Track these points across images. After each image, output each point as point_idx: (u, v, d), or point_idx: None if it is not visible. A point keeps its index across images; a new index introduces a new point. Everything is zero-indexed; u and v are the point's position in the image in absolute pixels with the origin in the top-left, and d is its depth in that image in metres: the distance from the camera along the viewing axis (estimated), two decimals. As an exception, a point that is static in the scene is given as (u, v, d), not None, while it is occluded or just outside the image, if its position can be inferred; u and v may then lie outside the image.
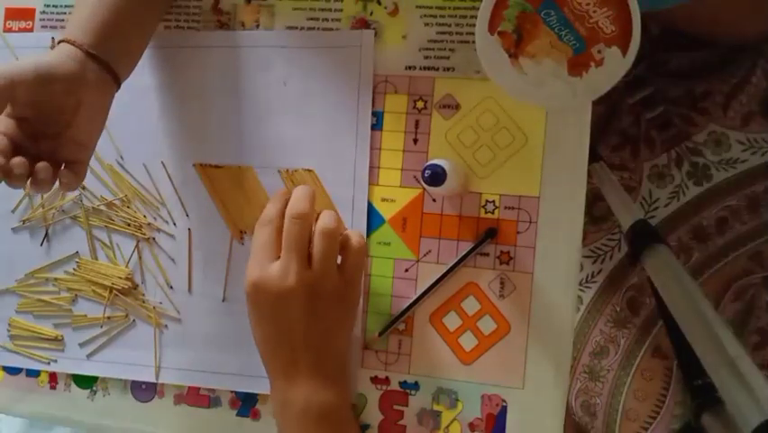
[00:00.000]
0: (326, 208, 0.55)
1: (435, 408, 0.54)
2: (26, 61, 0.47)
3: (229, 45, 0.58)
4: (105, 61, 0.50)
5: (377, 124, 0.55)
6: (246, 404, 0.57)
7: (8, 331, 0.61)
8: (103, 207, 0.60)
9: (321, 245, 0.49)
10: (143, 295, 0.59)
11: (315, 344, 0.50)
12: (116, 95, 0.59)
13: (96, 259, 0.60)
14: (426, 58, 0.55)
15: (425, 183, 0.47)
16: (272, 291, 0.49)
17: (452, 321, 0.54)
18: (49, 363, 0.60)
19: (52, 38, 0.62)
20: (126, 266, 0.59)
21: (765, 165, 0.84)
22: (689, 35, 0.73)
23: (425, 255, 0.54)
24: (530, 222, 0.53)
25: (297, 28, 0.57)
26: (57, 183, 0.48)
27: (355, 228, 0.55)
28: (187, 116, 0.58)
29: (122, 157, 0.60)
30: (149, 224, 0.59)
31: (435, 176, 0.47)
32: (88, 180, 0.60)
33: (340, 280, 0.50)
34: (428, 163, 0.47)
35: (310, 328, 0.50)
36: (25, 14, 0.63)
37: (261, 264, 0.49)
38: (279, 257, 0.49)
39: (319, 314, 0.50)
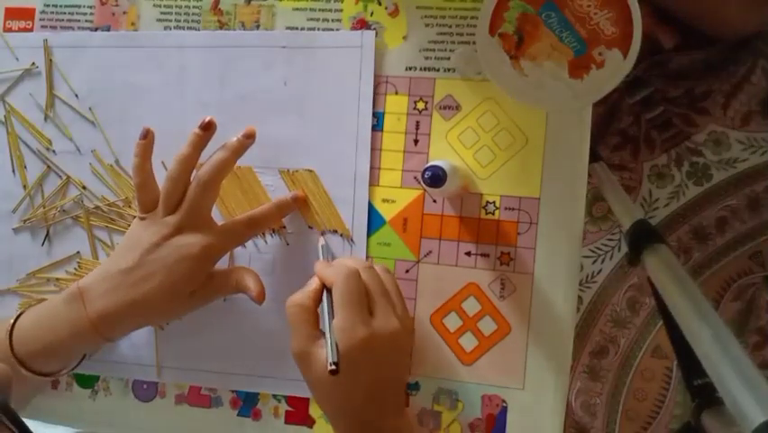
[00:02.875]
0: (327, 209, 0.56)
1: (436, 408, 0.54)
2: None
3: (229, 45, 0.58)
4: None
5: (377, 125, 0.55)
6: (247, 404, 0.57)
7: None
8: (104, 208, 0.60)
9: (391, 281, 0.51)
10: (144, 295, 0.59)
11: (401, 380, 0.53)
12: (116, 94, 0.60)
13: (98, 259, 0.60)
14: (427, 59, 0.55)
15: (426, 184, 0.47)
16: (383, 341, 0.48)
17: (452, 322, 0.54)
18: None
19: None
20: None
21: (765, 164, 0.84)
22: (679, 19, 0.73)
23: (425, 256, 0.54)
24: (530, 223, 0.53)
25: (297, 28, 0.57)
26: None
27: (356, 229, 0.55)
28: (187, 116, 0.58)
29: (122, 157, 0.60)
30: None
31: (436, 177, 0.47)
32: (89, 180, 0.60)
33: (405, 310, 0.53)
34: (429, 164, 0.47)
35: (402, 367, 0.52)
36: (25, 14, 0.63)
37: (363, 319, 0.48)
38: (371, 308, 0.49)
39: (405, 350, 0.53)
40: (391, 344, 0.48)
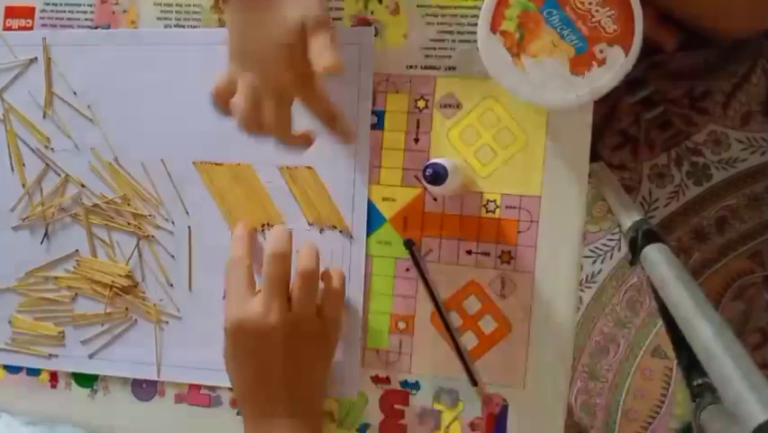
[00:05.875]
0: (327, 207, 0.56)
1: (436, 407, 0.54)
2: None
3: (230, 44, 0.58)
4: None
5: (378, 124, 0.55)
6: (246, 403, 0.57)
7: (9, 330, 0.61)
8: (102, 205, 0.60)
9: (301, 290, 0.50)
10: (143, 293, 0.59)
11: (293, 381, 0.50)
12: (115, 92, 0.60)
13: (96, 257, 0.60)
14: (428, 57, 0.55)
15: (427, 182, 0.47)
16: (254, 329, 0.49)
17: (453, 321, 0.53)
18: (49, 358, 0.60)
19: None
20: (126, 264, 0.59)
21: (765, 164, 0.84)
22: (681, 20, 0.73)
23: (426, 255, 0.54)
24: (531, 221, 0.53)
25: (297, 27, 0.57)
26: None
27: (355, 227, 0.55)
28: (187, 114, 0.58)
29: (120, 155, 0.60)
30: (148, 218, 0.59)
31: (437, 175, 0.47)
32: (88, 178, 0.60)
33: (320, 321, 0.51)
34: (429, 162, 0.47)
35: (288, 366, 0.50)
36: (25, 13, 0.63)
37: (241, 302, 0.50)
38: (257, 293, 0.50)
39: (298, 352, 0.50)
40: (262, 337, 0.49)
